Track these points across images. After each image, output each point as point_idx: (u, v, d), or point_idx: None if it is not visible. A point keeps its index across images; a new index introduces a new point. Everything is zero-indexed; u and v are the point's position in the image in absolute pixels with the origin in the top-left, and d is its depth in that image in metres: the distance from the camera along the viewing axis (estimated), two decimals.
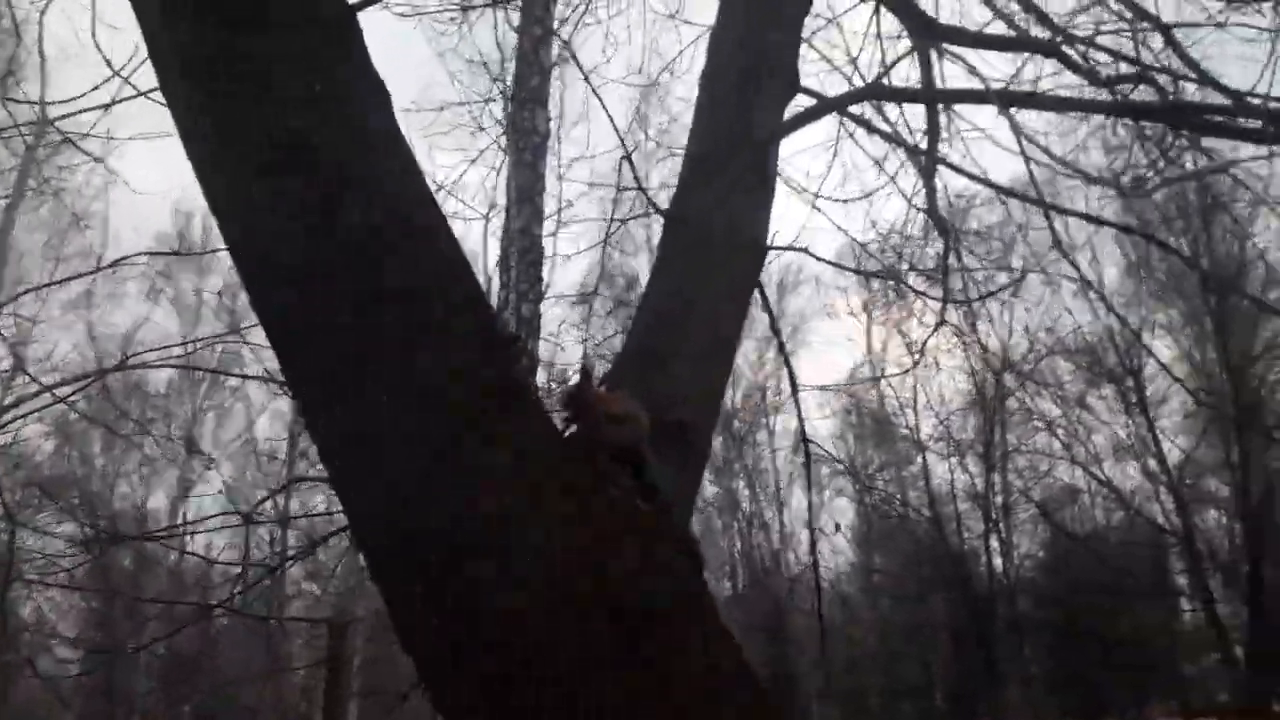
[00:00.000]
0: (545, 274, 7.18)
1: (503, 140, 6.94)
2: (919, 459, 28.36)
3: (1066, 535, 28.36)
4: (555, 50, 7.18)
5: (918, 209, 6.80)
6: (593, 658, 1.81)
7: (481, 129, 6.25)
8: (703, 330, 2.52)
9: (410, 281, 1.84)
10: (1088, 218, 4.76)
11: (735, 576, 38.26)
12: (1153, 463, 23.93)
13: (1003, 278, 7.15)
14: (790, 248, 3.37)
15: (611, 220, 5.02)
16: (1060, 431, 24.34)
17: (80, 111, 4.36)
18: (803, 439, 4.54)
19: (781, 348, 4.30)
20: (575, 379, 2.24)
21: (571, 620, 1.81)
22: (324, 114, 1.85)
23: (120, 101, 4.20)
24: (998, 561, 28.18)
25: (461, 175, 7.11)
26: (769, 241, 2.90)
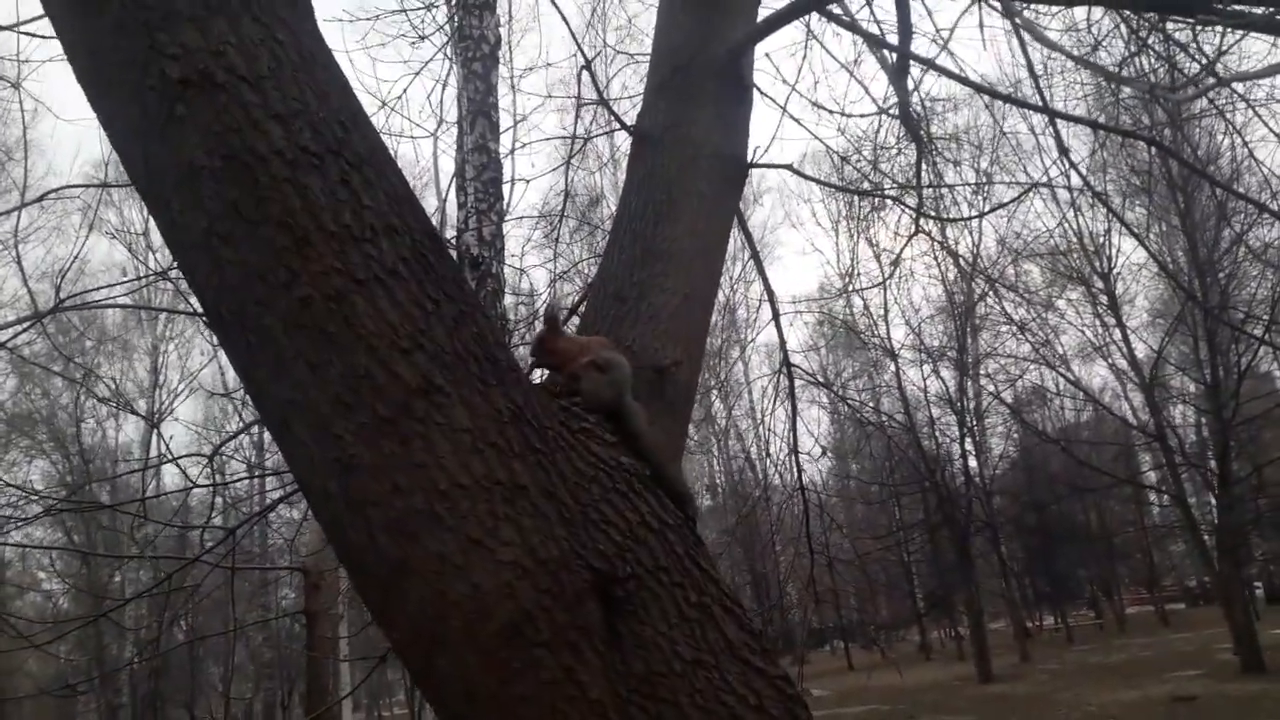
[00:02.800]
0: (505, 192, 6.85)
1: (449, 50, 6.52)
2: (891, 366, 28.52)
3: (1037, 435, 28.81)
4: None
5: (890, 115, 6.54)
6: (576, 636, 1.64)
7: (423, 38, 5.81)
8: (681, 257, 2.28)
9: (346, 218, 1.59)
10: (1093, 124, 4.51)
11: (714, 488, 38.79)
12: (1121, 361, 24.19)
13: (983, 185, 6.95)
14: (774, 165, 3.12)
15: (574, 138, 4.68)
16: (1030, 334, 24.46)
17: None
18: (785, 364, 4.37)
19: (761, 273, 4.06)
20: (541, 326, 2.01)
21: (550, 597, 1.63)
22: (231, 27, 1.57)
23: (29, 21, 3.82)
24: (972, 463, 28.62)
25: (405, 90, 6.69)
26: (750, 158, 2.65)
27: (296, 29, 1.66)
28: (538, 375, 2.16)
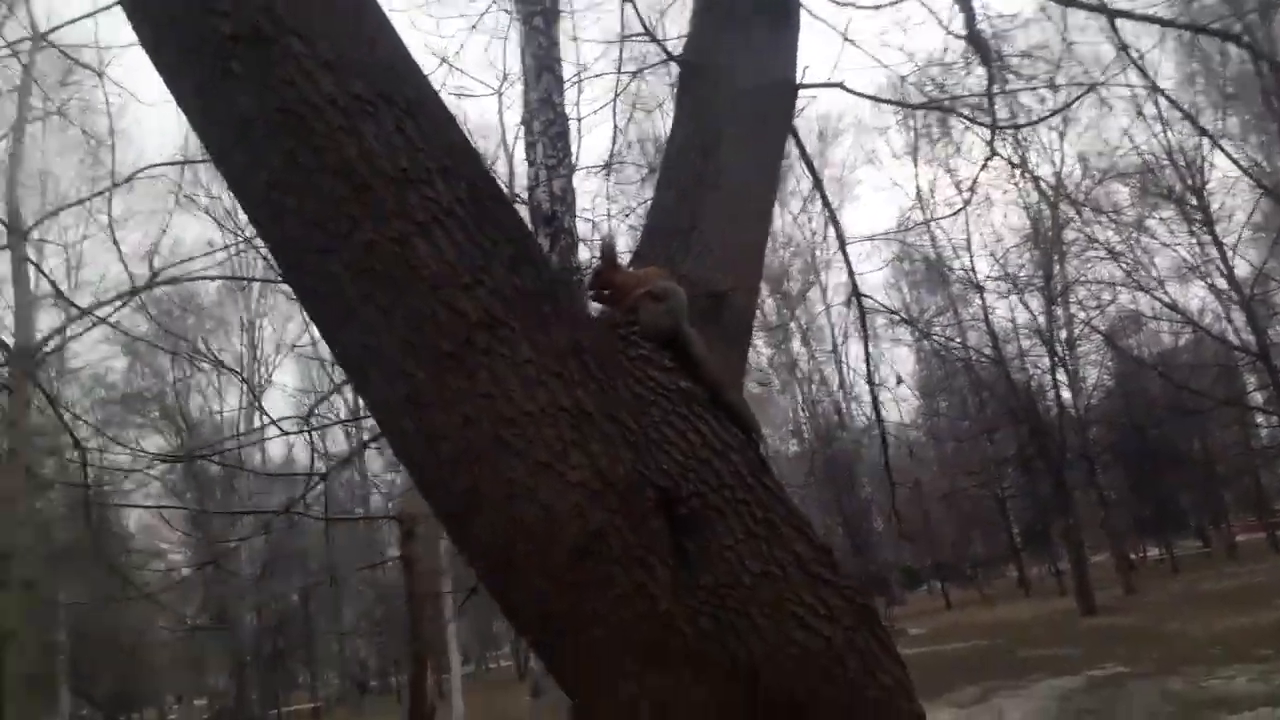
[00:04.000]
0: (573, 145, 6.88)
1: (509, 4, 6.51)
2: (977, 300, 27.81)
3: (1134, 361, 27.91)
4: None
5: (956, 36, 6.34)
6: (645, 553, 1.70)
7: None
8: (733, 186, 2.29)
9: (403, 163, 1.65)
10: (1159, 21, 4.29)
11: (800, 434, 38.65)
12: (1220, 280, 23.17)
13: (1055, 101, 6.71)
14: (823, 84, 3.08)
15: (620, 74, 4.67)
16: (1121, 258, 23.54)
17: (71, 22, 4.16)
18: (855, 294, 4.33)
19: (825, 201, 4.03)
20: (597, 261, 2.05)
21: (618, 515, 1.69)
22: None
23: (107, 8, 3.99)
24: (1065, 394, 27.83)
25: (462, 46, 6.76)
26: (799, 79, 2.63)
27: None
28: (596, 310, 2.21)
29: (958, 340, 28.52)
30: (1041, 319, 27.05)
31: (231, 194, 1.84)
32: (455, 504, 1.78)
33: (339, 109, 1.61)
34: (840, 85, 3.37)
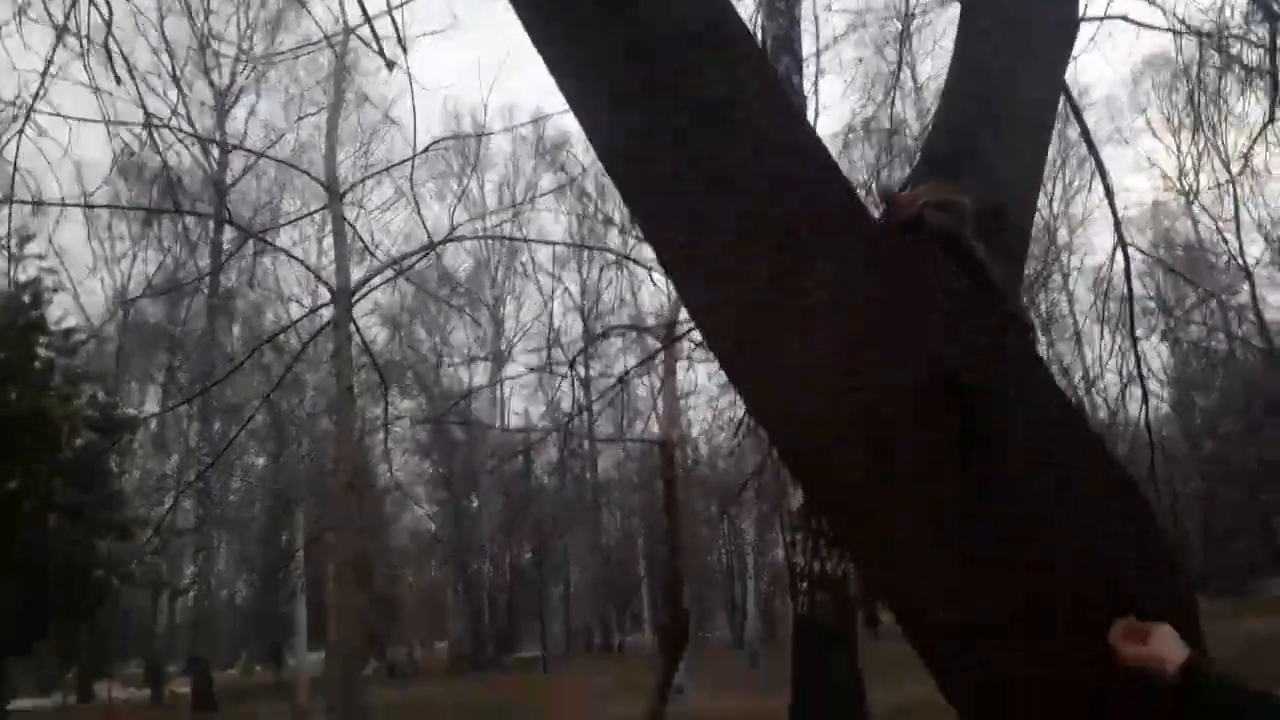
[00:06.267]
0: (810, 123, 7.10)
1: None
2: (1244, 287, 25.32)
3: None
4: None
5: None
6: (935, 447, 1.89)
7: None
8: (1011, 113, 2.42)
9: (752, 138, 2.05)
10: None
11: None
12: None
13: None
14: (1104, 17, 3.12)
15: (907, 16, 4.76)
16: None
17: (376, 17, 4.89)
18: (1120, 244, 4.21)
19: (1090, 143, 3.96)
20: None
21: (910, 413, 1.90)
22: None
23: (405, 4, 4.76)
24: None
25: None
26: (1081, 14, 2.72)
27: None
28: None
29: (1222, 332, 26.18)
30: None
31: (619, 192, 2.32)
32: (748, 376, 2.12)
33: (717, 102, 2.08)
34: (1124, 18, 3.38)
